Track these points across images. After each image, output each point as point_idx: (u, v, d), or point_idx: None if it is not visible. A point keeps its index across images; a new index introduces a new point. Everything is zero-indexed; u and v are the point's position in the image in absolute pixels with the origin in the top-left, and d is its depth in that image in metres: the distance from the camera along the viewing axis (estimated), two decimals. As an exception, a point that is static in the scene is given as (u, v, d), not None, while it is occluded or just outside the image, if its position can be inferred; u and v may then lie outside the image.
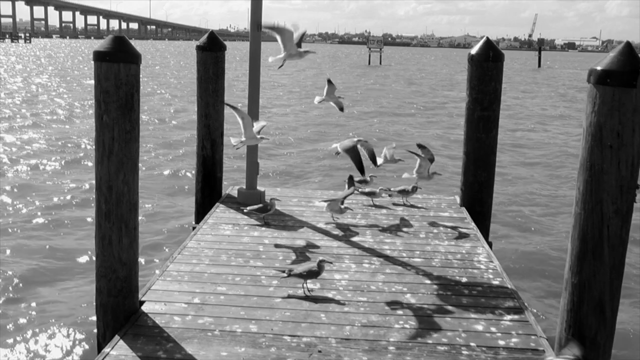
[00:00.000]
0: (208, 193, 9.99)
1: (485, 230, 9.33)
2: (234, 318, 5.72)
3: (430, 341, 5.41)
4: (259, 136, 8.72)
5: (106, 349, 5.13)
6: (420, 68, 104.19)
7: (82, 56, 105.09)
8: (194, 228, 8.91)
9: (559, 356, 5.08)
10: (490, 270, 7.16)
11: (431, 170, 9.62)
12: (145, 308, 5.86)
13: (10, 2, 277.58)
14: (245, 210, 8.85)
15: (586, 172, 5.04)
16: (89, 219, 13.13)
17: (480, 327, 5.71)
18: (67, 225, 13.29)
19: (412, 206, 9.84)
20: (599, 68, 4.87)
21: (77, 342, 8.38)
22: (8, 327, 8.71)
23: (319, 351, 5.18)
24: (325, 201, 8.99)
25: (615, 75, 4.78)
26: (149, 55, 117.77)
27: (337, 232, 8.43)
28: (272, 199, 8.89)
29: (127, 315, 5.65)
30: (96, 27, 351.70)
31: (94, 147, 5.71)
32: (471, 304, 6.23)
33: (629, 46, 4.95)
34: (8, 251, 11.50)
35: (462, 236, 8.43)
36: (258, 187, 9.93)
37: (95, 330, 5.86)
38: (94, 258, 5.81)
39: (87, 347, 8.22)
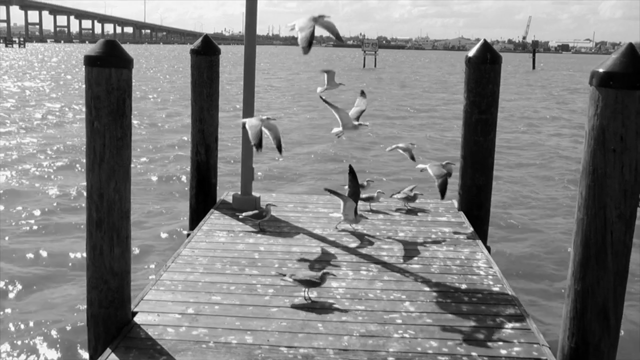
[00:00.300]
0: (202, 199, 9.86)
1: (483, 235, 9.22)
2: (229, 329, 5.57)
3: (430, 351, 5.27)
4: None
5: (98, 363, 5.00)
6: (415, 71, 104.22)
7: (76, 60, 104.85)
8: (188, 235, 8.77)
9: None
10: (490, 277, 7.03)
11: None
12: (137, 319, 5.71)
13: (4, 7, 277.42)
14: (240, 217, 8.72)
15: (589, 176, 4.93)
16: (79, 225, 12.99)
17: (481, 336, 5.58)
18: (56, 231, 13.12)
19: (409, 211, 9.72)
20: (601, 70, 4.76)
21: (67, 354, 8.22)
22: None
23: (317, 363, 5.05)
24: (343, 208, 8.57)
25: (618, 77, 4.68)
26: (142, 59, 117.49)
27: (333, 238, 8.29)
28: (268, 204, 8.77)
29: (119, 327, 5.50)
30: (91, 31, 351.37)
31: (84, 153, 5.57)
32: (471, 311, 6.09)
33: (631, 48, 4.85)
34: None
35: (460, 241, 8.30)
36: (253, 193, 9.80)
37: (87, 342, 5.71)
38: (85, 268, 5.66)
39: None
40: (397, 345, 5.36)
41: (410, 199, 9.79)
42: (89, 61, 5.29)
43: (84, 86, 5.49)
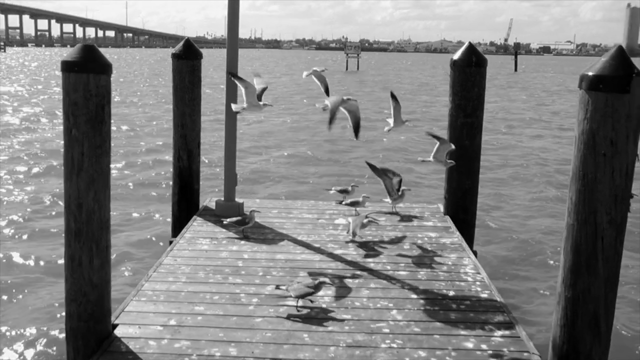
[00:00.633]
0: (185, 205, 9.72)
1: (469, 239, 9.13)
2: (212, 341, 5.42)
3: (419, 361, 5.16)
4: (261, 102, 8.40)
5: (77, 378, 4.84)
6: (397, 73, 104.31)
7: (57, 65, 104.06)
8: (171, 242, 8.61)
9: None
10: (478, 283, 6.93)
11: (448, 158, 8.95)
12: (118, 332, 5.55)
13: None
14: (224, 222, 8.57)
15: (579, 181, 4.84)
16: (54, 230, 12.80)
17: (470, 345, 5.48)
18: (33, 237, 12.89)
19: (395, 214, 9.61)
20: (590, 73, 4.67)
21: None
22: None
23: (303, 375, 4.92)
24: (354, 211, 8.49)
25: (607, 80, 4.59)
26: (124, 64, 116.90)
27: (318, 245, 8.15)
28: (252, 211, 8.63)
29: (99, 341, 5.34)
30: (72, 35, 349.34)
31: (62, 161, 5.40)
32: (460, 319, 5.99)
33: (621, 50, 4.76)
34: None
35: (447, 246, 8.20)
36: (236, 199, 9.65)
37: (65, 356, 5.54)
38: (64, 280, 5.48)
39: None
40: (384, 356, 5.24)
41: (395, 199, 9.66)
42: (66, 67, 5.14)
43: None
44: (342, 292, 6.56)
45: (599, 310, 4.95)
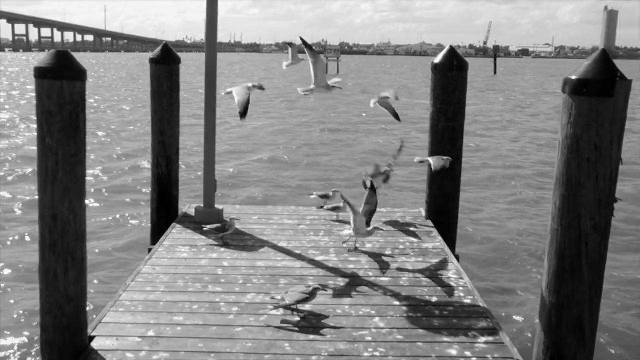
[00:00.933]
0: (164, 212, 9.58)
1: (451, 243, 9.07)
2: (191, 352, 5.31)
3: (402, 370, 5.08)
4: (331, 82, 7.97)
5: (52, 393, 4.71)
6: (376, 76, 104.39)
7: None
8: (149, 250, 8.47)
9: None
10: (461, 288, 6.86)
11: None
12: (95, 344, 5.41)
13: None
14: (204, 229, 8.44)
15: (562, 186, 4.78)
16: (27, 238, 12.62)
17: (453, 352, 5.40)
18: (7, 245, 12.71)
19: (376, 221, 9.52)
20: (573, 77, 4.61)
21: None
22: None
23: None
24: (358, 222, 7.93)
25: (591, 84, 4.53)
26: (102, 68, 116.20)
27: (299, 251, 8.05)
28: (232, 218, 8.50)
29: (75, 354, 5.21)
30: (50, 39, 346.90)
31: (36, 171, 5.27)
32: (443, 325, 5.91)
33: (604, 54, 4.70)
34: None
35: (429, 251, 8.13)
36: (216, 205, 9.53)
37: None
38: (38, 292, 5.34)
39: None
40: (367, 365, 5.15)
41: (381, 173, 9.53)
42: (39, 73, 5.01)
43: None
44: (323, 299, 6.45)
45: (583, 315, 4.89)
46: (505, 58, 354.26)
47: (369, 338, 5.62)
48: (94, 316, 6.10)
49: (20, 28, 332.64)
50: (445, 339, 5.63)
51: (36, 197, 5.24)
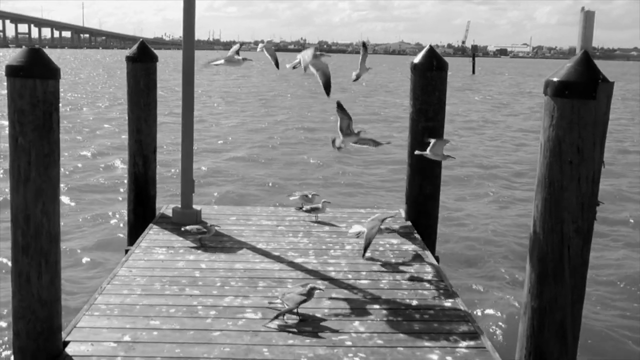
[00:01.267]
0: (141, 213, 9.45)
1: (432, 245, 9.01)
2: (168, 357, 5.19)
3: (383, 376, 5.00)
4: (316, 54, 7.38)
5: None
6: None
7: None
8: (126, 251, 8.33)
9: None
10: (441, 291, 6.80)
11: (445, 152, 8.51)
12: (69, 350, 5.27)
13: None
14: (182, 229, 8.29)
15: (545, 189, 4.73)
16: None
17: (435, 357, 5.33)
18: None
19: (356, 223, 9.43)
20: (555, 79, 4.56)
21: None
22: None
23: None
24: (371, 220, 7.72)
25: (573, 86, 4.48)
26: (80, 65, 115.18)
27: (277, 253, 7.94)
28: (212, 225, 8.35)
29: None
30: (27, 35, 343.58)
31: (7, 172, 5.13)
32: (424, 330, 5.84)
33: (586, 55, 4.65)
34: None
35: (409, 253, 8.06)
36: (194, 206, 9.40)
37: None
38: (11, 296, 5.20)
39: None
40: (347, 371, 5.07)
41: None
42: (11, 71, 4.87)
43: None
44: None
45: (565, 319, 4.85)
46: (484, 58, 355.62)
47: (349, 343, 5.53)
48: (69, 320, 5.96)
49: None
50: (426, 343, 5.57)
51: (8, 197, 5.11)
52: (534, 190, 4.89)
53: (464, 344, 5.58)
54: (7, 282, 5.47)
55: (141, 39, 9.65)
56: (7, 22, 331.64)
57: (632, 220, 15.81)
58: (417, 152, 8.51)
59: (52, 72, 4.95)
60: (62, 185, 6.86)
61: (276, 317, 5.93)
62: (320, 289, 6.25)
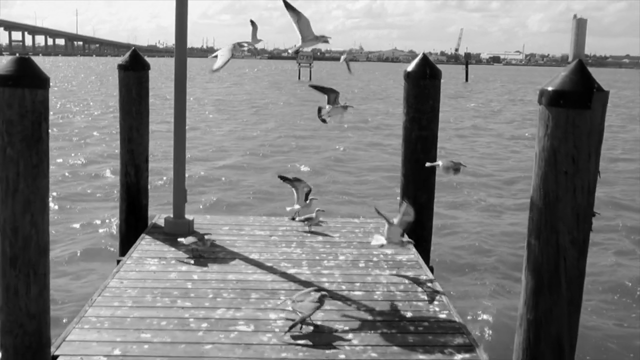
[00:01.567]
0: (133, 223, 9.36)
1: (426, 255, 8.93)
2: (159, 372, 5.12)
3: (377, 390, 4.93)
4: (319, 34, 7.59)
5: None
6: (348, 82, 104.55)
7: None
8: (118, 262, 8.24)
9: None
10: (436, 302, 6.73)
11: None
12: (58, 364, 5.20)
13: None
14: (178, 240, 8.19)
15: (540, 200, 4.66)
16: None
17: (430, 370, 5.27)
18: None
19: (350, 232, 9.38)
20: (550, 89, 4.50)
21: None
22: None
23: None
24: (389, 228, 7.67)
25: (568, 96, 4.42)
26: (73, 72, 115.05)
27: (270, 264, 7.86)
28: (208, 239, 8.27)
29: (37, 375, 5.00)
30: (21, 43, 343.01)
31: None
32: (418, 342, 5.77)
33: (581, 64, 4.60)
34: None
35: (403, 264, 8.00)
36: (186, 215, 9.32)
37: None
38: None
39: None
40: (341, 385, 5.00)
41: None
42: (-1, 81, 4.80)
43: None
44: (295, 314, 6.29)
45: (562, 332, 4.78)
46: (477, 65, 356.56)
47: (343, 356, 5.46)
48: (59, 333, 5.87)
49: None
50: (420, 356, 5.50)
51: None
52: (527, 198, 4.84)
53: (459, 356, 5.51)
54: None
55: (134, 47, 9.58)
56: (1, 29, 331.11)
57: (621, 225, 15.85)
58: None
59: (41, 82, 4.89)
60: (52, 193, 6.78)
61: (294, 326, 5.85)
62: (328, 296, 6.21)
